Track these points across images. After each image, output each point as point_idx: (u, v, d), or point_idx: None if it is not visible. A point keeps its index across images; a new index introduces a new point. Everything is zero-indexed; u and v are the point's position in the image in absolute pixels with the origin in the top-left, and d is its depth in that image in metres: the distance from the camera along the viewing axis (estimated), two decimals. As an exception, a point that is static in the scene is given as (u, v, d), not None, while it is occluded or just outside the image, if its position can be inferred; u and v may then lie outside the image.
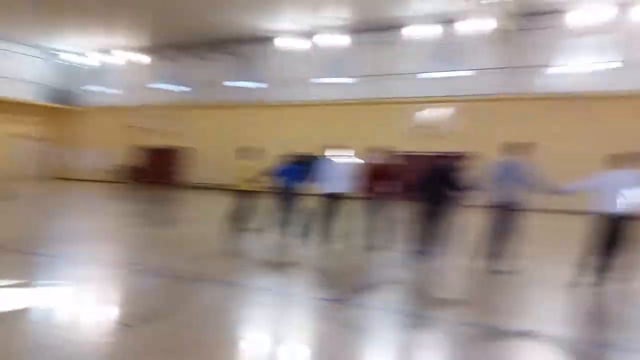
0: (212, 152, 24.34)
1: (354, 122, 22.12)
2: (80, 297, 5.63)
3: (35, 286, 5.92)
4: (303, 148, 21.27)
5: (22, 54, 27.79)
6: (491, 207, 7.54)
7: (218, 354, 4.06)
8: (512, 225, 7.42)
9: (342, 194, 9.24)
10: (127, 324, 4.60)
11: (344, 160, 9.56)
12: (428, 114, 20.76)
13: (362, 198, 9.07)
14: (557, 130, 18.78)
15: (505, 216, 7.40)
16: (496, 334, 4.78)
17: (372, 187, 8.90)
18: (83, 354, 3.92)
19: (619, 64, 18.66)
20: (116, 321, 4.76)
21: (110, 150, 26.94)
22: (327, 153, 9.73)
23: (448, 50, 21.42)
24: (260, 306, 5.49)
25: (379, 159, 9.09)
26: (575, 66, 19.55)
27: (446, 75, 21.46)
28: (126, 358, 3.91)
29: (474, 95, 20.33)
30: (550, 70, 19.88)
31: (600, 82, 18.81)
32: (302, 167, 10.08)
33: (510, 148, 7.56)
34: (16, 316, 4.80)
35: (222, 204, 11.04)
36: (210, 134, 25.21)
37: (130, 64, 28.30)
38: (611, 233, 6.55)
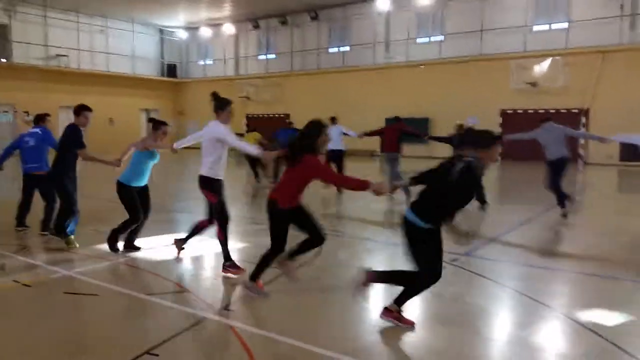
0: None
1: (452, 83, 21.94)
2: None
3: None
4: (408, 111, 21.71)
5: (138, 32, 30.23)
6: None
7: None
8: None
9: None
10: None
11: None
12: (535, 69, 20.11)
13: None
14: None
15: None
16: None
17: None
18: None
19: None
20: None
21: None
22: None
23: (553, 1, 20.37)
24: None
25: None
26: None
27: (552, 28, 20.52)
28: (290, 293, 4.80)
29: (584, 47, 19.33)
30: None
31: None
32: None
33: None
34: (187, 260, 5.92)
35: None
36: (310, 101, 26.07)
37: (232, 36, 29.82)
38: None
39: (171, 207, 9.84)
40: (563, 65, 19.51)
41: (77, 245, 6.17)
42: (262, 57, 29.16)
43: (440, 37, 22.88)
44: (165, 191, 12.49)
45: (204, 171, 5.22)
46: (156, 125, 5.92)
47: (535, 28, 20.83)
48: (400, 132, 11.00)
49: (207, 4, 25.77)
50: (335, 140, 11.32)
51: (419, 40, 23.67)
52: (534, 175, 10.75)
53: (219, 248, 6.44)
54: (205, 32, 30.90)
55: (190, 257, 6.00)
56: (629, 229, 7.96)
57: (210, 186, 5.21)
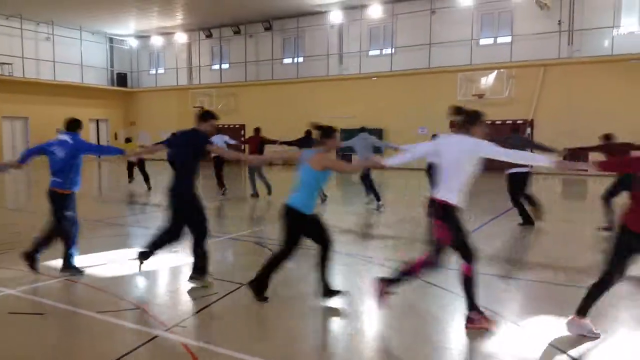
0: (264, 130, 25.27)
1: (402, 95, 22.47)
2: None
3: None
4: (361, 122, 21.99)
5: (86, 40, 29.37)
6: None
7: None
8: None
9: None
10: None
11: None
12: (481, 81, 20.89)
13: None
14: (621, 94, 18.52)
15: None
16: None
17: None
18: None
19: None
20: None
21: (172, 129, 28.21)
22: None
23: (497, 16, 21.27)
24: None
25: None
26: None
27: (497, 42, 21.41)
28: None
29: (527, 60, 20.25)
30: (615, 32, 19.19)
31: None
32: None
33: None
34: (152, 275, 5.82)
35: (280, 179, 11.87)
36: (265, 111, 25.98)
37: (185, 45, 29.47)
38: None
39: (123, 220, 9.60)
40: (507, 78, 20.38)
41: (212, 285, 5.25)
42: (216, 66, 28.94)
43: (391, 50, 23.43)
44: (114, 204, 12.19)
45: (449, 196, 4.17)
46: (328, 132, 4.70)
47: (481, 42, 21.67)
48: (260, 143, 12.46)
49: (158, 12, 25.38)
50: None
51: (371, 52, 24.15)
52: (485, 184, 11.14)
53: (172, 263, 6.31)
54: (157, 40, 30.40)
55: (143, 273, 5.88)
56: (575, 235, 8.37)
57: (453, 218, 4.19)
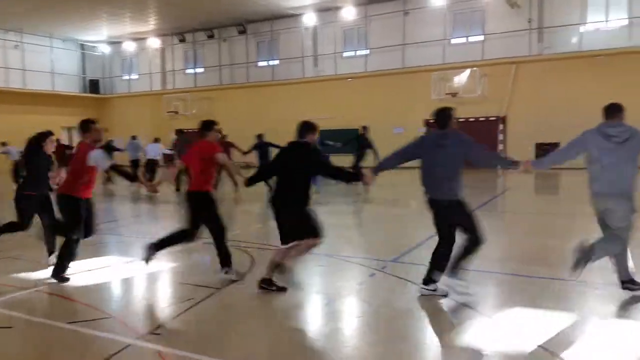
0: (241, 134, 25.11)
1: (377, 95, 22.61)
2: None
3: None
4: (338, 123, 22.10)
5: (57, 47, 28.88)
6: None
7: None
8: None
9: None
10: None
11: None
12: (455, 80, 21.13)
13: None
14: (590, 89, 18.89)
15: None
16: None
17: None
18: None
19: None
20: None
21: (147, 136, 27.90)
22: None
23: (469, 16, 21.55)
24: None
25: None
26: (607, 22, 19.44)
27: (469, 41, 21.69)
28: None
29: (499, 58, 20.56)
30: (582, 28, 19.64)
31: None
32: None
33: None
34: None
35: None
36: (241, 114, 25.87)
37: (158, 50, 29.19)
38: None
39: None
40: (480, 76, 20.66)
41: None
42: (190, 71, 28.71)
43: (366, 51, 23.55)
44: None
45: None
46: None
47: (454, 41, 21.93)
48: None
49: (131, 17, 25.08)
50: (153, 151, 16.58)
51: (345, 54, 24.24)
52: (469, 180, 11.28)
53: (147, 270, 6.19)
54: (129, 46, 30.05)
55: (115, 280, 5.78)
56: (548, 228, 8.50)
57: None
